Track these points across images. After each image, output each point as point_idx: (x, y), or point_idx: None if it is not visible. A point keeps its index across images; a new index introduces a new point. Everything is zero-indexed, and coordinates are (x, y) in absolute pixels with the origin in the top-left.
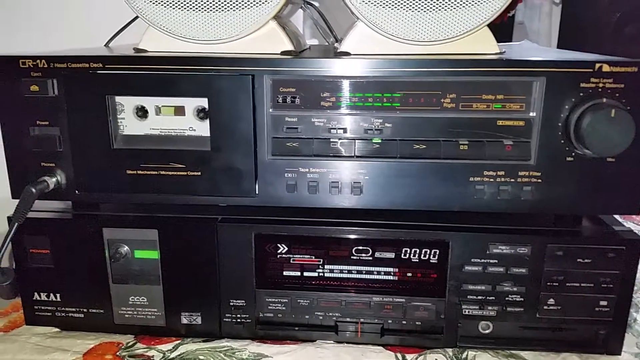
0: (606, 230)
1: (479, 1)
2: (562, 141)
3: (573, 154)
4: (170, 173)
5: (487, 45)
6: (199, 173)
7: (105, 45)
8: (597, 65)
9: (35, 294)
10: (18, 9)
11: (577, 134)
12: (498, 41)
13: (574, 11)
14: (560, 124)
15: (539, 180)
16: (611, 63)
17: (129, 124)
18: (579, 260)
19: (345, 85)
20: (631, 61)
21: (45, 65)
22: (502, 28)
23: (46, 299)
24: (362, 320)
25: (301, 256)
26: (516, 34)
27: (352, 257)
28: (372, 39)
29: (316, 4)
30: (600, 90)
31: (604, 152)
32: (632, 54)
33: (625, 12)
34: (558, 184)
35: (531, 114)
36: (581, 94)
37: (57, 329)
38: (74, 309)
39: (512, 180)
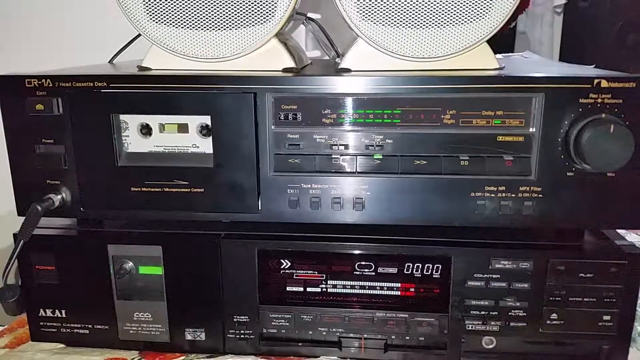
0: (608, 245)
1: (478, 17)
2: (562, 156)
3: (573, 169)
4: (173, 190)
5: (486, 61)
6: (202, 190)
7: (109, 62)
8: (596, 80)
9: (41, 310)
10: (21, 25)
11: (577, 149)
12: (500, 52)
13: (575, 21)
14: (560, 140)
15: (540, 195)
16: (609, 79)
17: (133, 142)
18: (581, 274)
19: (346, 102)
20: (629, 77)
21: (50, 85)
22: (504, 38)
23: (52, 315)
24: (365, 335)
25: (304, 272)
26: (518, 44)
27: (354, 273)
28: (372, 56)
29: (317, 16)
30: (599, 105)
31: (604, 167)
32: (634, 62)
33: (627, 22)
34: (559, 199)
35: (531, 130)
36: (580, 110)
37: (62, 345)
38: (79, 325)
39: (513, 195)
